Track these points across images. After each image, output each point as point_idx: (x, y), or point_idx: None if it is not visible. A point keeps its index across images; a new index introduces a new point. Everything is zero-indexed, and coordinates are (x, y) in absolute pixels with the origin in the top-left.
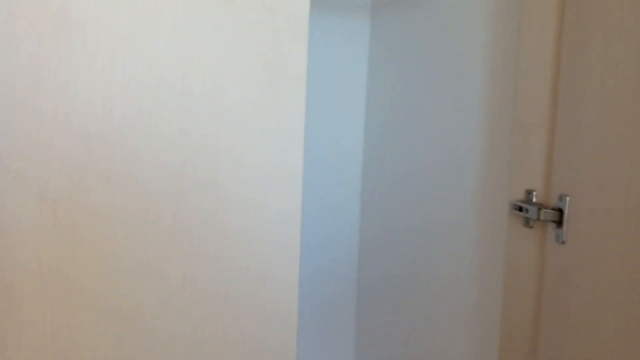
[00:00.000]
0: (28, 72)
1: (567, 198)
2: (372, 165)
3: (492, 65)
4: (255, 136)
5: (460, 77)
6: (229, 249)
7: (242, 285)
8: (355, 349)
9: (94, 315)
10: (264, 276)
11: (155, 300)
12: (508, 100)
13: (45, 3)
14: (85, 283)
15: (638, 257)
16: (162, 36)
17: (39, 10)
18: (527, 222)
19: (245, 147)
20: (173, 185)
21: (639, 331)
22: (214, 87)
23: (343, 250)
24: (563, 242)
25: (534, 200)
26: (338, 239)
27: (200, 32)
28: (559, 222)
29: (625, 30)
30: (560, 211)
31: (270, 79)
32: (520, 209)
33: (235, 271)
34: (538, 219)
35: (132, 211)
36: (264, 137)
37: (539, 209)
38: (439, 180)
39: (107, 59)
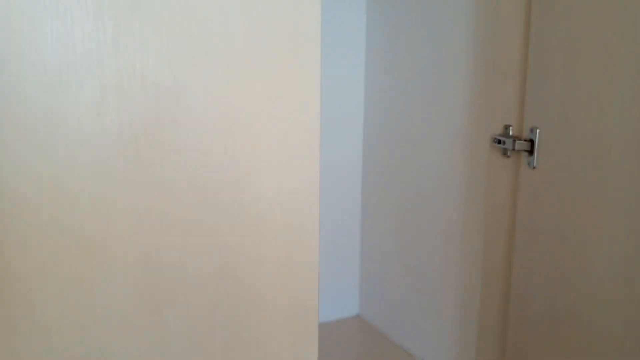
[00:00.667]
0: (114, 42)
1: (537, 130)
2: (373, 111)
3: (475, 22)
4: (281, 89)
5: (450, 32)
6: (262, 174)
7: (274, 204)
8: (361, 261)
9: (167, 224)
10: (288, 204)
11: (212, 216)
12: (489, 51)
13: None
14: (162, 201)
15: (597, 175)
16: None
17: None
18: (504, 152)
19: (273, 101)
20: (222, 124)
21: (599, 238)
22: (248, 50)
23: (348, 181)
24: (534, 167)
25: (510, 133)
26: (344, 171)
27: (231, 6)
28: (530, 151)
29: None
30: (532, 142)
31: (291, 41)
32: (499, 141)
33: (269, 191)
34: (513, 149)
35: (192, 145)
36: (288, 91)
37: (514, 141)
38: (431, 120)
39: (178, 45)
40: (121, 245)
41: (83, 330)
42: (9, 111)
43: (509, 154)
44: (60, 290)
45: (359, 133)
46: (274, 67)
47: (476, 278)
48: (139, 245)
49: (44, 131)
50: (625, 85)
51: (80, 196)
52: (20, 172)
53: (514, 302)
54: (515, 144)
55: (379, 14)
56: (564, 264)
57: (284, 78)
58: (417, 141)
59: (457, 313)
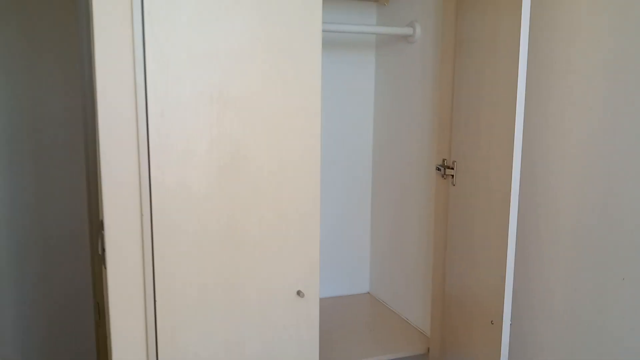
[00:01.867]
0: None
1: (455, 162)
2: (379, 143)
3: (430, 93)
4: (297, 144)
5: (417, 100)
6: (285, 186)
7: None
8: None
9: (238, 206)
10: (300, 204)
11: (259, 204)
12: (437, 112)
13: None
14: (233, 195)
15: (479, 192)
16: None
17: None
18: (442, 176)
19: (291, 150)
20: (264, 159)
21: (485, 227)
22: (280, 126)
23: (363, 191)
24: (454, 185)
25: (445, 164)
26: (360, 187)
27: (272, 102)
28: (453, 176)
29: (481, 81)
30: (454, 169)
31: (301, 118)
32: (439, 169)
33: (289, 195)
34: (445, 174)
35: (249, 169)
36: (302, 147)
37: (445, 169)
38: (407, 153)
39: (247, 122)
40: (215, 215)
41: (179, 247)
42: (173, 148)
43: (444, 177)
44: (174, 229)
45: (369, 158)
46: (291, 133)
47: (429, 259)
48: (224, 213)
49: (183, 158)
50: (500, 140)
51: (199, 191)
52: (168, 179)
53: (449, 276)
54: (446, 171)
55: (383, 87)
56: (468, 245)
57: (300, 139)
58: (401, 164)
59: (427, 287)
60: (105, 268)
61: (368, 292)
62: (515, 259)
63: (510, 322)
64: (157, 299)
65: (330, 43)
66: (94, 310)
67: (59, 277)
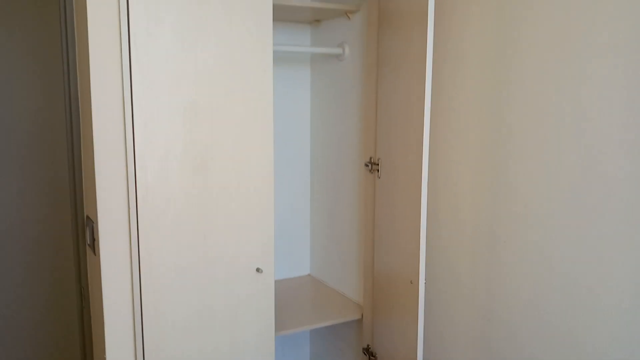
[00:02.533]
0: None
1: (380, 159)
2: (315, 143)
3: (359, 105)
4: (256, 144)
5: (347, 107)
6: (247, 174)
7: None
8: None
9: (206, 192)
10: (260, 192)
11: (223, 190)
12: (364, 118)
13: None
14: (204, 183)
15: (397, 183)
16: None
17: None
18: (370, 171)
19: (252, 148)
20: (230, 156)
21: (403, 211)
22: (241, 129)
23: (303, 188)
24: (379, 178)
25: (372, 161)
26: (299, 183)
27: (235, 113)
28: (378, 170)
29: (398, 90)
30: (379, 165)
31: (259, 132)
32: (367, 165)
33: (250, 184)
34: (372, 169)
35: (217, 163)
36: (260, 145)
37: (372, 165)
38: (340, 151)
39: (215, 127)
40: (189, 207)
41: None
42: (155, 152)
43: (371, 171)
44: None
45: (307, 158)
46: (249, 136)
47: (357, 239)
48: (196, 205)
49: (162, 160)
50: (414, 139)
51: (175, 187)
52: (151, 178)
53: (376, 253)
54: (372, 167)
55: (318, 97)
56: (391, 226)
57: (257, 142)
58: (335, 162)
59: (359, 264)
60: (96, 255)
61: (309, 274)
62: (427, 232)
63: (424, 281)
64: (142, 277)
65: (274, 59)
66: (78, 296)
67: (44, 266)
